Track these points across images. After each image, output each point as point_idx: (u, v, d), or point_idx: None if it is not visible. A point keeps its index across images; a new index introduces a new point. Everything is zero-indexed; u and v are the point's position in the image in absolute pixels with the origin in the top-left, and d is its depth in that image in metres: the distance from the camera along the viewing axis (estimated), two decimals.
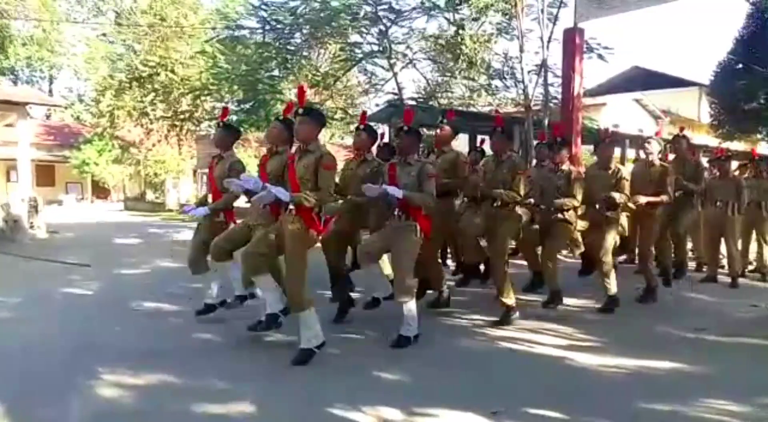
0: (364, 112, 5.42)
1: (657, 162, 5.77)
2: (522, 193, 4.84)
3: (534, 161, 6.29)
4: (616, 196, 5.26)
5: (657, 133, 6.32)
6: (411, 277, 4.22)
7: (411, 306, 4.20)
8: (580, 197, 5.15)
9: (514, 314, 4.88)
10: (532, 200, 5.30)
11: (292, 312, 3.91)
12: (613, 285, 5.32)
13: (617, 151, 13.77)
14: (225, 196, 4.67)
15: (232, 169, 4.63)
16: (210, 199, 4.94)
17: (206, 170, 20.90)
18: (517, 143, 10.53)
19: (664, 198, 5.62)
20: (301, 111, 3.88)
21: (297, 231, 3.76)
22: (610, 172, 5.43)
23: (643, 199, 5.50)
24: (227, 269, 4.69)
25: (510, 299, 4.85)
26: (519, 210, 5.09)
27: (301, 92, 4.09)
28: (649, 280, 5.76)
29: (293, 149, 4.15)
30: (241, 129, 5.62)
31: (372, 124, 12.48)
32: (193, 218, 4.97)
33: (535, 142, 8.63)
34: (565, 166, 5.24)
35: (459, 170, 5.09)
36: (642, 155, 6.21)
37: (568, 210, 5.16)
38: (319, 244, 4.31)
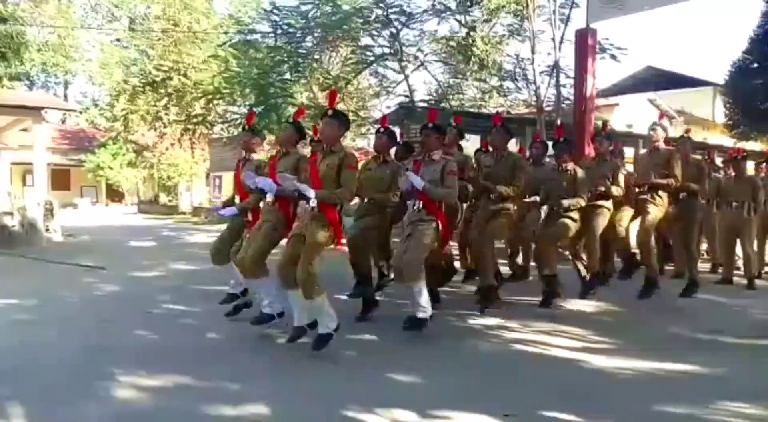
0: (385, 116, 5.52)
1: (662, 147, 5.76)
2: (521, 189, 4.95)
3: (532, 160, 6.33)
4: (612, 188, 5.49)
5: (660, 117, 6.31)
6: (420, 263, 4.32)
7: (420, 287, 4.29)
8: (586, 196, 5.17)
9: (496, 299, 5.04)
10: (537, 198, 5.35)
11: (305, 298, 3.94)
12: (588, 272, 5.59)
13: (631, 152, 13.64)
14: (252, 196, 4.77)
15: (256, 170, 4.77)
16: (237, 200, 5.06)
17: (219, 173, 20.79)
18: (529, 144, 10.48)
19: (671, 181, 5.58)
20: (329, 112, 4.03)
21: (319, 226, 3.90)
22: (606, 164, 5.64)
23: (647, 183, 5.61)
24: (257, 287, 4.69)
25: (489, 278, 5.06)
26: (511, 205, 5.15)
27: (332, 96, 4.27)
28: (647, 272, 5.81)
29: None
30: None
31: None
32: (223, 219, 5.08)
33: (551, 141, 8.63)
34: (570, 166, 5.25)
35: (466, 173, 5.17)
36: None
37: (575, 209, 5.17)
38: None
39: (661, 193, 5.64)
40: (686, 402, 3.20)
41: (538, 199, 5.48)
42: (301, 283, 3.88)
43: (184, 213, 22.62)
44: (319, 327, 3.95)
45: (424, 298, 4.30)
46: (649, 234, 5.69)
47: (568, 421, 2.98)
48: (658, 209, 5.64)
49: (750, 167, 7.52)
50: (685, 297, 6.01)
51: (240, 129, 5.49)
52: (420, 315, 4.28)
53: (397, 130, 12.22)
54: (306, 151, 5.77)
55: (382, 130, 5.15)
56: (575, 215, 5.23)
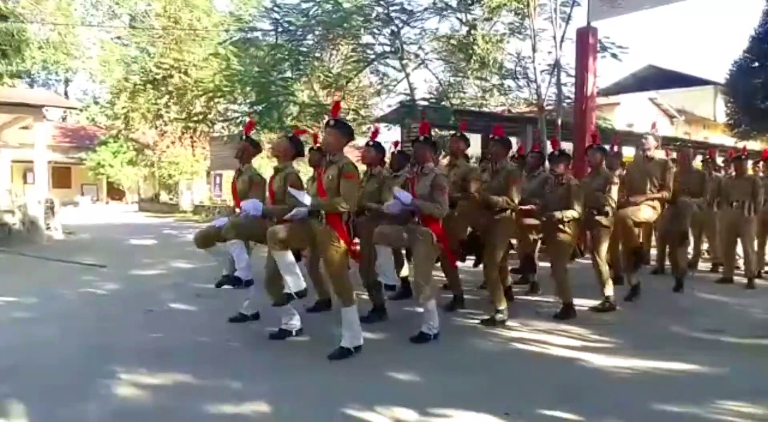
0: (376, 130, 5.56)
1: (655, 156, 5.77)
2: (516, 200, 4.91)
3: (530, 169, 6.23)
4: (604, 201, 5.40)
5: (653, 126, 6.33)
6: (430, 280, 4.41)
7: (430, 306, 4.37)
8: (579, 208, 5.14)
9: (502, 316, 4.92)
10: (532, 206, 5.33)
11: (344, 305, 4.01)
12: (609, 287, 5.46)
13: (632, 151, 13.65)
14: None
15: (252, 182, 4.81)
16: (237, 210, 5.00)
17: (220, 171, 20.67)
18: (529, 144, 10.46)
19: (664, 193, 5.61)
20: (332, 122, 4.04)
21: (329, 235, 3.94)
22: (600, 177, 5.54)
23: (641, 198, 5.57)
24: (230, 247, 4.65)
25: (501, 304, 4.94)
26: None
27: (336, 106, 4.27)
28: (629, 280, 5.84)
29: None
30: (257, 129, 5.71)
31: (384, 125, 12.47)
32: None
33: (549, 147, 8.59)
34: (566, 178, 5.24)
35: (470, 185, 5.12)
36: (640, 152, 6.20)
37: (568, 221, 5.12)
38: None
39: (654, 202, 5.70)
40: (687, 402, 3.20)
41: (533, 206, 5.43)
42: (337, 292, 4.07)
43: (184, 211, 22.60)
44: (343, 340, 4.01)
45: (434, 317, 4.40)
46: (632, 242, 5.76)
47: (568, 420, 2.98)
48: (653, 214, 5.71)
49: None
50: (677, 292, 6.21)
51: (240, 128, 5.47)
52: (424, 330, 4.39)
53: (398, 129, 12.33)
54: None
55: (371, 143, 5.21)
56: (569, 228, 5.18)
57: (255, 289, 4.73)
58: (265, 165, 16.67)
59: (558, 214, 5.02)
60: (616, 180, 5.57)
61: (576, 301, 5.21)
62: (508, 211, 4.91)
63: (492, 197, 4.85)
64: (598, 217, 5.39)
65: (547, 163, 5.75)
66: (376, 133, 5.46)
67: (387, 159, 5.89)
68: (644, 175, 5.68)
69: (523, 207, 5.20)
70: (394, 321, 4.81)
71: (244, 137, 5.04)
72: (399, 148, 6.20)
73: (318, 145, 5.35)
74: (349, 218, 4.08)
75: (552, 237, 5.24)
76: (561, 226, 5.11)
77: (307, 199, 3.93)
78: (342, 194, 3.90)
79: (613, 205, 5.46)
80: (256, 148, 5.07)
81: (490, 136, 5.22)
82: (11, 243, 9.96)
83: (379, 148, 5.22)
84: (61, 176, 27.91)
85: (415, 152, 4.61)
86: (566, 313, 5.13)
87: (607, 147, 6.58)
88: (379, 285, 4.79)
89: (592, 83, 9.32)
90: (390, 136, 9.72)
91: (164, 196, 26.41)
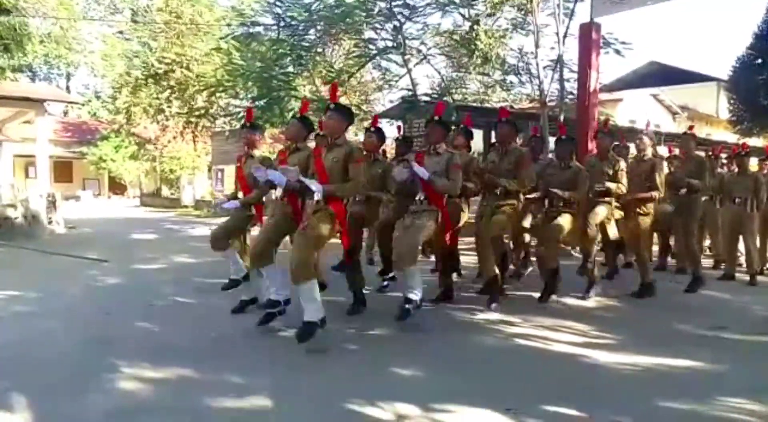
0: (376, 116, 5.61)
1: (648, 157, 5.84)
2: (526, 183, 4.92)
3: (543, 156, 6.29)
4: (612, 185, 5.45)
5: (647, 126, 6.38)
6: (414, 248, 4.41)
7: (412, 270, 4.36)
8: (584, 192, 5.22)
9: (498, 301, 5.02)
10: (537, 194, 5.37)
11: (292, 283, 3.94)
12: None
13: (632, 147, 13.62)
14: (255, 191, 4.81)
15: (263, 164, 4.79)
16: (240, 195, 5.09)
17: (221, 167, 20.67)
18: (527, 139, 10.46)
19: (654, 193, 5.66)
20: (332, 106, 4.10)
21: (324, 218, 3.97)
22: (607, 162, 5.60)
23: (629, 198, 5.63)
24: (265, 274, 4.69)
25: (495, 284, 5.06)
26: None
27: (333, 89, 4.32)
28: (643, 276, 5.77)
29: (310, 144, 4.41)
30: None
31: (386, 120, 12.44)
32: (228, 212, 5.13)
33: (552, 137, 8.62)
34: (572, 163, 5.33)
35: (471, 172, 5.18)
36: (634, 151, 6.26)
37: (573, 203, 5.19)
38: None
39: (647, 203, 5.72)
40: (688, 398, 3.19)
41: (538, 194, 5.48)
42: (293, 268, 3.87)
43: (186, 206, 22.63)
44: (305, 315, 3.94)
45: (416, 280, 4.37)
46: (641, 246, 5.79)
47: (569, 416, 2.98)
48: (646, 219, 5.73)
49: (753, 163, 7.49)
50: (690, 292, 6.05)
51: (241, 124, 5.53)
52: (410, 295, 4.35)
53: (399, 124, 12.31)
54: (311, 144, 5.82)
55: (372, 129, 5.30)
56: (573, 210, 5.23)
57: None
58: None
59: (566, 195, 5.07)
60: (623, 165, 5.60)
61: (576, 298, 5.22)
62: (514, 198, 4.94)
63: (499, 179, 4.87)
64: (601, 199, 5.44)
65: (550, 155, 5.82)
66: (376, 119, 5.55)
67: (390, 147, 5.93)
68: (636, 176, 5.75)
69: (529, 196, 5.25)
70: (394, 316, 4.79)
71: (246, 125, 5.10)
72: (402, 133, 6.25)
73: (323, 131, 5.39)
74: (348, 201, 4.16)
75: (554, 216, 5.26)
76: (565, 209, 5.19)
77: (317, 187, 3.92)
78: (352, 178, 3.96)
79: (623, 189, 5.49)
80: (259, 132, 5.11)
81: (498, 119, 5.27)
82: (13, 238, 9.97)
83: (379, 133, 5.29)
84: (62, 170, 27.98)
85: (428, 132, 4.67)
86: (545, 294, 5.36)
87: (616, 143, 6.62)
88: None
89: (595, 79, 9.30)
90: (391, 132, 9.73)
91: (166, 191, 26.44)
